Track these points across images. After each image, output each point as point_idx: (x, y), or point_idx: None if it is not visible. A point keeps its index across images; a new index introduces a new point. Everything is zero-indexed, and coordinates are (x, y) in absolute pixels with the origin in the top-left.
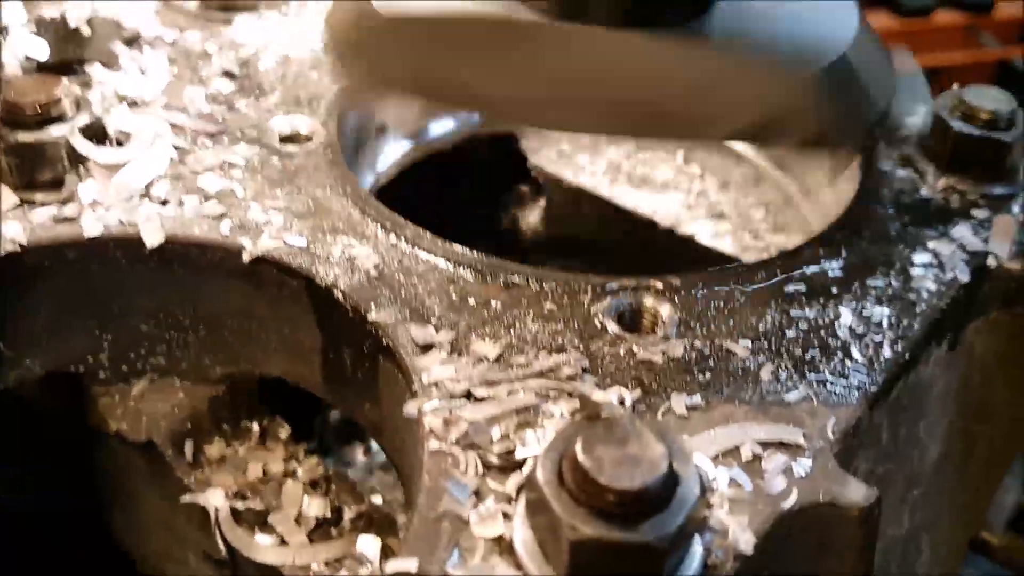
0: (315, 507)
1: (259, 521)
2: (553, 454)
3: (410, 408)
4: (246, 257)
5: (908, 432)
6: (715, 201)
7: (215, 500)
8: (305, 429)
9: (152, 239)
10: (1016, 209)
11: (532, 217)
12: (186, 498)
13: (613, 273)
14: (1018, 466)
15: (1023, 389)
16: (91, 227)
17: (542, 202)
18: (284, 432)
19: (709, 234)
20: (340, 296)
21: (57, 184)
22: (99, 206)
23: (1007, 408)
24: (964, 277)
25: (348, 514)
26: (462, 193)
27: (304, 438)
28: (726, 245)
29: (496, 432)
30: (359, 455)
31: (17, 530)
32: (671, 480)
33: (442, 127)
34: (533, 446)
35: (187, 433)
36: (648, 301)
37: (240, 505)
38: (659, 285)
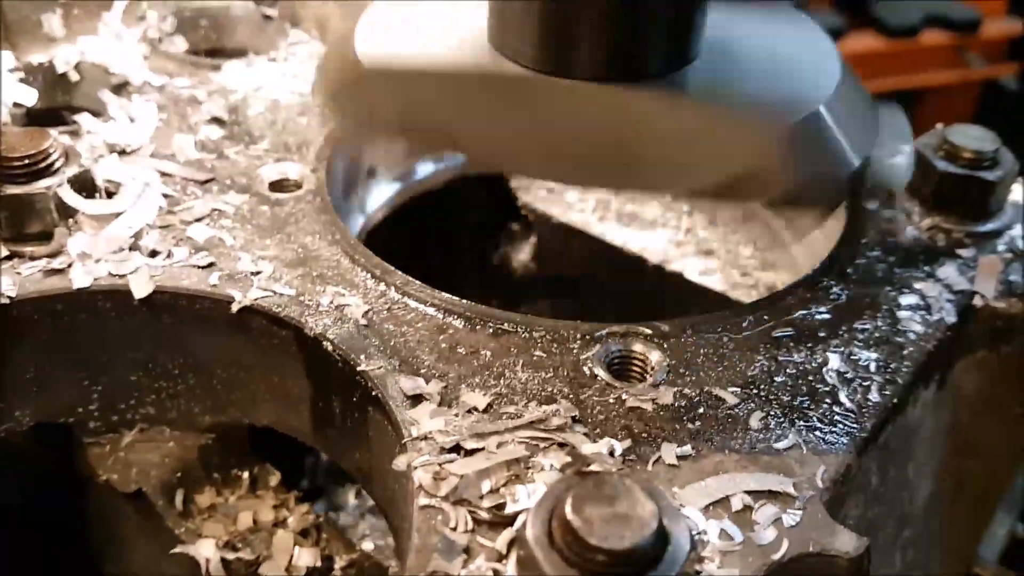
0: (306, 556)
1: (250, 571)
2: (543, 511)
3: (400, 463)
4: (235, 308)
5: (898, 474)
6: (703, 238)
7: (206, 551)
8: (296, 470)
9: (140, 291)
10: (1001, 247)
11: (523, 254)
12: (177, 549)
13: (602, 310)
14: (1008, 500)
15: (1011, 425)
16: (80, 279)
17: (532, 239)
18: (274, 479)
19: (698, 271)
20: (329, 346)
21: (46, 236)
22: (88, 258)
23: (995, 444)
24: (951, 318)
25: (339, 563)
26: (453, 232)
27: (295, 479)
28: (715, 282)
29: (486, 486)
30: (351, 498)
31: (19, 531)
32: (661, 538)
33: (431, 168)
34: (524, 500)
35: (177, 482)
36: (637, 348)
37: (231, 555)
38: (648, 331)
